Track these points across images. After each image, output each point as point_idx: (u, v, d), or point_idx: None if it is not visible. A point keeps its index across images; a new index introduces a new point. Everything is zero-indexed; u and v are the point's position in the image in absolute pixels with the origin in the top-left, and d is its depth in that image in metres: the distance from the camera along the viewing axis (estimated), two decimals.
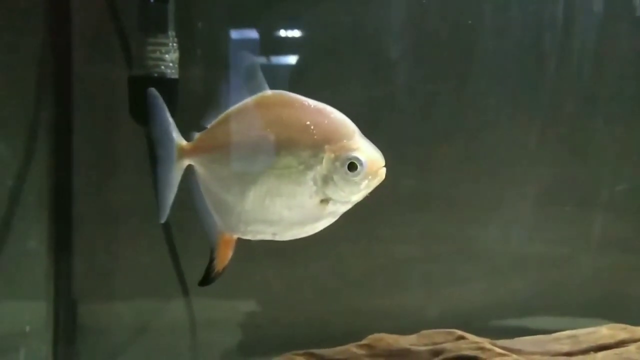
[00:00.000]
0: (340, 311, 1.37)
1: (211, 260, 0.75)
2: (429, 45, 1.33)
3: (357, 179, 0.68)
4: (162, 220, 0.77)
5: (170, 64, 1.07)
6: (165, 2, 1.08)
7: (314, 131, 0.68)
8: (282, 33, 1.27)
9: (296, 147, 0.68)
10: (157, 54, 1.05)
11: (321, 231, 1.30)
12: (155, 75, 1.06)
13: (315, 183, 0.68)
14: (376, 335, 1.13)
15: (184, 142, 0.73)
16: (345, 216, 1.27)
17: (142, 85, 1.08)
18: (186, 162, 0.73)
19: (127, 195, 1.29)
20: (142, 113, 1.10)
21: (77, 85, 1.25)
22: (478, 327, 1.18)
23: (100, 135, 1.28)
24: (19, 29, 1.18)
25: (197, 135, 0.73)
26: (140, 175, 1.22)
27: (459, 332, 1.13)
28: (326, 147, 0.68)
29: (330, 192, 0.69)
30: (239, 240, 0.79)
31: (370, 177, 0.69)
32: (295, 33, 1.27)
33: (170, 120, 0.74)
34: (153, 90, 0.77)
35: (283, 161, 0.68)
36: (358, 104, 1.18)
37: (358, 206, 1.28)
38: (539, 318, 1.39)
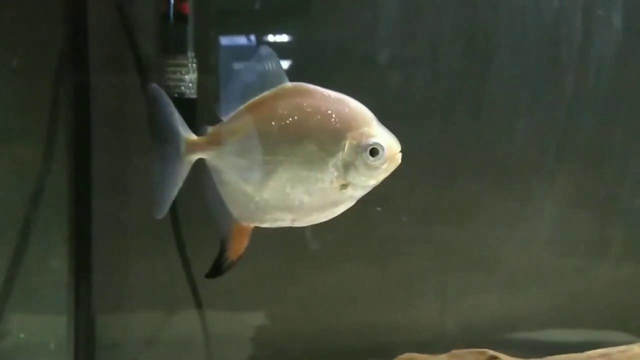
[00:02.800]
0: (356, 325, 1.37)
1: (222, 251, 0.76)
2: (445, 58, 1.33)
3: (377, 163, 0.71)
4: (160, 217, 0.77)
5: (190, 85, 1.09)
6: (185, 24, 1.09)
7: (336, 119, 0.70)
8: (298, 49, 1.29)
9: (319, 135, 0.70)
10: (177, 75, 1.07)
11: (336, 245, 1.33)
12: (175, 95, 1.07)
13: (336, 169, 0.71)
14: (408, 355, 1.13)
15: (193, 137, 0.74)
16: (361, 228, 1.29)
17: None
18: (196, 156, 0.74)
19: (144, 212, 1.29)
20: None
21: (95, 104, 1.25)
22: (495, 340, 1.17)
23: (119, 154, 1.29)
24: (36, 45, 1.19)
25: (210, 129, 0.74)
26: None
27: (491, 352, 1.12)
28: (348, 134, 0.71)
29: (351, 177, 0.72)
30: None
31: (388, 161, 0.72)
32: (312, 49, 1.28)
33: (177, 115, 0.74)
34: (155, 86, 0.77)
35: (306, 149, 0.71)
36: None
37: (374, 218, 1.31)
38: (556, 331, 1.39)
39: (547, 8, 1.34)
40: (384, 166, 0.72)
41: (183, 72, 1.08)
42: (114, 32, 1.21)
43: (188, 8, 1.10)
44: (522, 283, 1.39)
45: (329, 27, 1.29)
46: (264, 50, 0.72)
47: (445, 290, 1.39)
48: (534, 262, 1.39)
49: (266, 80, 0.72)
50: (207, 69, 1.16)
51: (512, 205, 1.38)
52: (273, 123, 0.71)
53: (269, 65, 0.72)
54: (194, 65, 1.10)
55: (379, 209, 1.29)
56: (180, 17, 1.10)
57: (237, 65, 1.25)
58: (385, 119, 0.74)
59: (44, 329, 1.29)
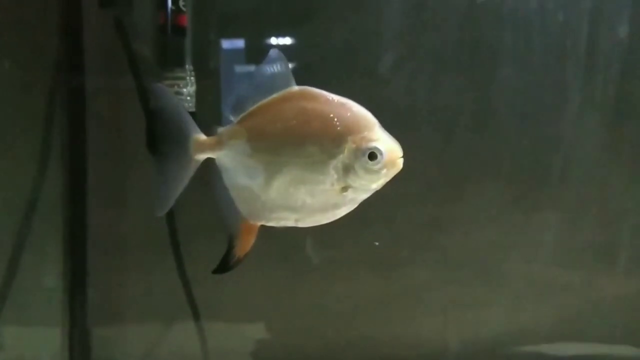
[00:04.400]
0: (357, 338, 1.36)
1: (230, 247, 0.77)
2: (449, 70, 1.33)
3: (376, 167, 0.73)
4: (161, 214, 0.78)
5: (188, 98, 1.09)
6: (183, 36, 1.09)
7: (338, 123, 0.73)
8: (298, 60, 1.27)
9: (321, 138, 0.73)
10: (175, 88, 1.07)
11: (338, 256, 1.33)
12: None
13: (337, 172, 0.73)
14: None
15: (203, 137, 0.76)
16: (362, 241, 1.29)
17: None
18: (205, 155, 0.76)
19: (141, 226, 1.29)
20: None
21: (91, 118, 1.26)
22: (500, 354, 1.16)
23: (115, 166, 1.28)
24: (31, 55, 1.20)
25: (219, 129, 0.76)
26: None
27: None
28: (349, 138, 0.73)
29: (351, 180, 0.74)
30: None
31: (388, 166, 0.74)
32: (312, 60, 1.28)
33: (186, 114, 0.76)
34: (161, 86, 0.79)
35: (308, 151, 0.73)
36: None
37: (377, 230, 1.30)
38: (563, 345, 1.38)
39: (552, 21, 1.33)
40: (384, 171, 0.73)
41: (181, 85, 1.08)
42: (110, 41, 1.21)
43: (186, 20, 1.10)
44: (527, 296, 1.38)
45: (330, 39, 1.28)
46: (274, 53, 0.74)
47: (449, 303, 1.38)
48: (539, 274, 1.38)
49: (275, 83, 0.74)
50: (206, 82, 1.16)
51: (517, 216, 1.37)
52: (278, 125, 0.73)
53: (278, 69, 0.74)
54: (192, 78, 1.10)
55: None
56: (178, 30, 1.09)
57: (237, 75, 1.27)
58: (388, 130, 0.74)
59: (38, 344, 1.28)
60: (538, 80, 1.35)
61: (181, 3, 1.08)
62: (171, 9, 1.08)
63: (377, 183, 0.74)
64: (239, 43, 1.28)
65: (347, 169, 0.72)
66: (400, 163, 0.73)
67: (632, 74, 1.35)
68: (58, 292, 1.28)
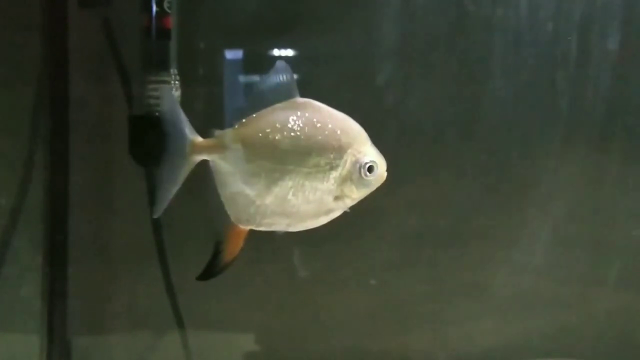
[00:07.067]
0: (346, 352, 1.35)
1: (217, 252, 0.78)
2: (439, 80, 1.33)
3: (371, 179, 0.78)
4: (157, 215, 0.80)
5: None
6: (167, 39, 1.08)
7: (340, 137, 0.77)
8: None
9: (325, 150, 0.77)
10: (159, 92, 1.05)
11: (328, 269, 1.32)
12: (157, 114, 1.05)
13: (335, 181, 0.78)
14: None
15: (199, 139, 0.77)
16: (351, 254, 1.27)
17: (142, 125, 1.09)
18: (200, 157, 0.77)
19: (125, 235, 1.28)
20: (142, 152, 1.11)
21: (74, 123, 1.24)
22: None
23: (97, 174, 1.28)
24: (14, 59, 1.19)
25: (218, 132, 0.78)
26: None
27: None
28: (349, 151, 0.77)
29: (346, 189, 0.78)
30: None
31: (378, 177, 0.79)
32: (302, 67, 1.27)
33: (183, 116, 0.78)
34: (164, 87, 0.84)
35: (312, 161, 0.76)
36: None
37: (365, 243, 1.29)
38: None
39: (541, 31, 1.34)
40: (374, 181, 0.78)
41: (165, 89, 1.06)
42: (95, 46, 1.21)
43: (171, 23, 1.09)
44: (517, 310, 1.38)
45: (320, 45, 1.29)
46: (280, 64, 0.77)
47: (438, 318, 1.37)
48: (529, 289, 1.38)
49: (279, 93, 0.76)
50: (192, 86, 1.15)
51: (507, 231, 1.37)
52: (284, 134, 0.75)
53: (283, 79, 0.76)
54: (176, 82, 1.09)
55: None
56: (163, 32, 1.08)
57: (232, 82, 1.28)
58: (378, 141, 0.77)
59: (17, 354, 1.27)
60: (527, 91, 1.35)
61: (166, 5, 1.07)
62: (155, 11, 1.07)
63: (365, 193, 0.78)
64: (232, 49, 1.28)
65: (345, 180, 0.76)
66: (385, 174, 0.78)
67: (622, 84, 1.36)
68: (37, 300, 1.26)
